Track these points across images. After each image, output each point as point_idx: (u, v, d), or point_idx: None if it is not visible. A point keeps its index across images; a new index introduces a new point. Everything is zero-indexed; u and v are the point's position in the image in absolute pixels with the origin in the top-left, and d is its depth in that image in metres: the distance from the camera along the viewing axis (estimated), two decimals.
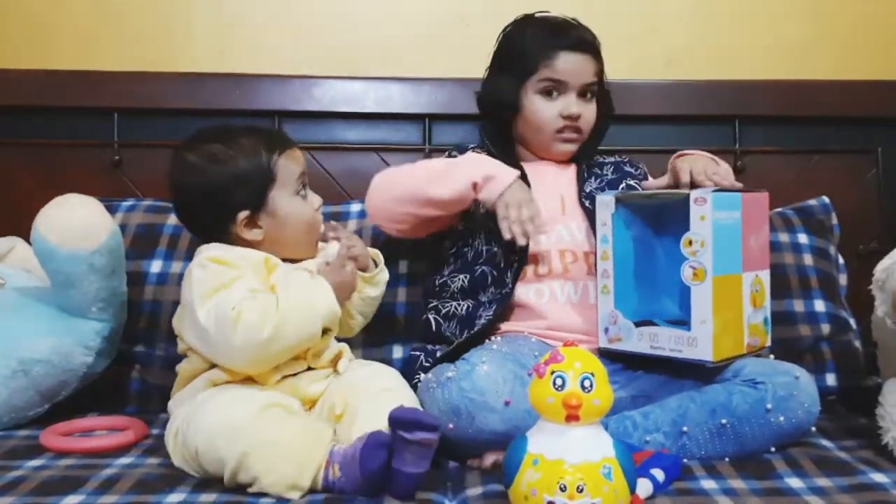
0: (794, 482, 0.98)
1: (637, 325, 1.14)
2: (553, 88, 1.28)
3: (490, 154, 1.31)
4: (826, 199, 1.53)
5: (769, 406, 1.05)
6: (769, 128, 1.62)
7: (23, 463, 1.04)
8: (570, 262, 1.24)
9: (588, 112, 1.30)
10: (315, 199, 1.14)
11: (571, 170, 1.34)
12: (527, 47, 1.29)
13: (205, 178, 1.07)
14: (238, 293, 1.01)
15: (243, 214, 1.07)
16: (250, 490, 0.93)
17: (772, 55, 1.65)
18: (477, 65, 1.36)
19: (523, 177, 1.25)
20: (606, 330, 1.16)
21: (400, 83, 1.58)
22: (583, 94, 1.29)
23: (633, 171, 1.37)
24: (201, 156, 1.08)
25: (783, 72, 1.64)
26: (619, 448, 0.84)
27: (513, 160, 1.29)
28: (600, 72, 1.31)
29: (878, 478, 0.98)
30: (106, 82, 1.56)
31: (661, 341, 1.11)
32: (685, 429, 1.06)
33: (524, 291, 1.22)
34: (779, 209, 1.51)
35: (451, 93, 1.56)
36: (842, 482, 0.97)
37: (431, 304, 1.28)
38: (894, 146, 1.62)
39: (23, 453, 1.08)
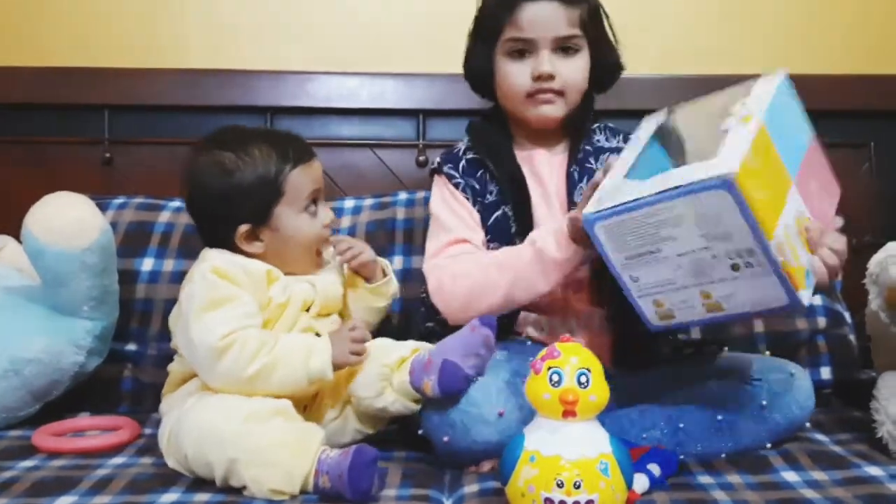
0: (790, 476, 0.98)
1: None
2: (522, 48, 1.13)
3: (477, 152, 1.20)
4: None
5: (764, 403, 1.05)
6: None
7: (15, 464, 1.03)
8: (572, 293, 1.16)
9: (568, 69, 1.13)
10: (325, 216, 1.10)
11: (563, 158, 1.19)
12: (490, 6, 1.16)
13: (211, 186, 1.04)
14: (235, 319, 0.99)
15: (244, 228, 1.05)
16: (245, 493, 0.92)
17: (765, 49, 1.65)
18: None
19: (517, 172, 1.18)
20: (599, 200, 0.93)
21: (394, 79, 1.57)
22: (561, 48, 1.13)
23: None
24: (211, 163, 1.04)
25: (776, 66, 1.62)
26: (616, 444, 0.84)
27: (505, 152, 1.19)
28: (584, 21, 1.13)
29: (873, 471, 0.98)
30: (97, 79, 1.54)
31: (666, 181, 0.86)
32: (681, 425, 1.06)
33: (524, 320, 1.18)
34: None
35: (446, 88, 1.55)
36: (837, 475, 0.98)
37: (438, 317, 1.20)
38: (887, 140, 1.62)
39: (15, 454, 1.07)
